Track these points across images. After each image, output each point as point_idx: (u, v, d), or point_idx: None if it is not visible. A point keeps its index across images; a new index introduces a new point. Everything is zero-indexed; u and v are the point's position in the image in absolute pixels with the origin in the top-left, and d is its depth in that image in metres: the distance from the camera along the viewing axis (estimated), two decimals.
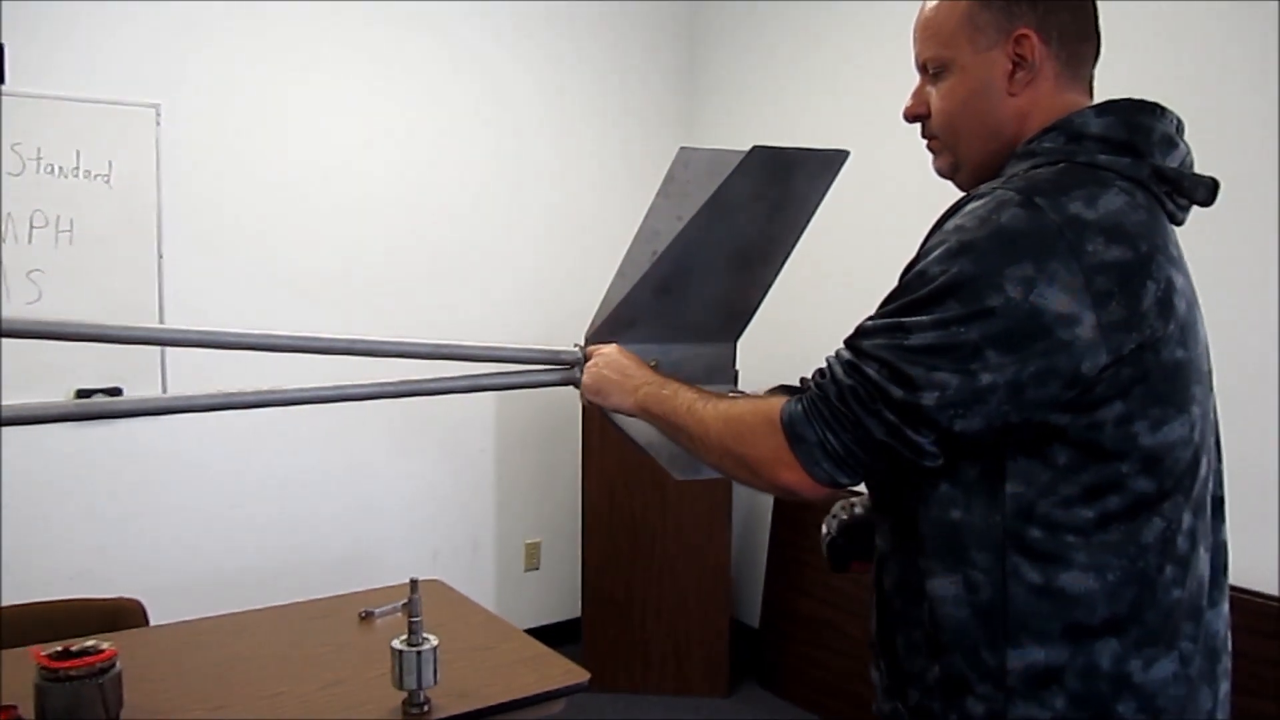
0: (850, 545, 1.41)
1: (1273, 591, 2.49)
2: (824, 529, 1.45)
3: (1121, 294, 1.05)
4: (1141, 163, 1.12)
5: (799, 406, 1.13)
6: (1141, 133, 1.13)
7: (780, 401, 1.16)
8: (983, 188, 1.13)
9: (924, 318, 1.06)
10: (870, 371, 1.08)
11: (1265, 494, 2.53)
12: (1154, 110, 1.15)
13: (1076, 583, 1.08)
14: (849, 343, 1.13)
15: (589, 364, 1.45)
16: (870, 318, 1.13)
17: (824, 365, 1.16)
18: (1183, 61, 2.68)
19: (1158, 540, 1.09)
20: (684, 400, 1.28)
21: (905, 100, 1.26)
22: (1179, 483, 1.10)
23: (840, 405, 1.10)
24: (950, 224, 1.11)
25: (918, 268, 1.10)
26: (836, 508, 1.45)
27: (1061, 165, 1.12)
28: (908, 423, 1.06)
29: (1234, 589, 2.54)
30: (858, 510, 1.41)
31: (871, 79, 3.53)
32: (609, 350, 1.44)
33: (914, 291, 1.08)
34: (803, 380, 1.28)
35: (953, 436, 1.06)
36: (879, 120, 3.37)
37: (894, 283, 1.13)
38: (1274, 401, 2.52)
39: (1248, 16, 2.56)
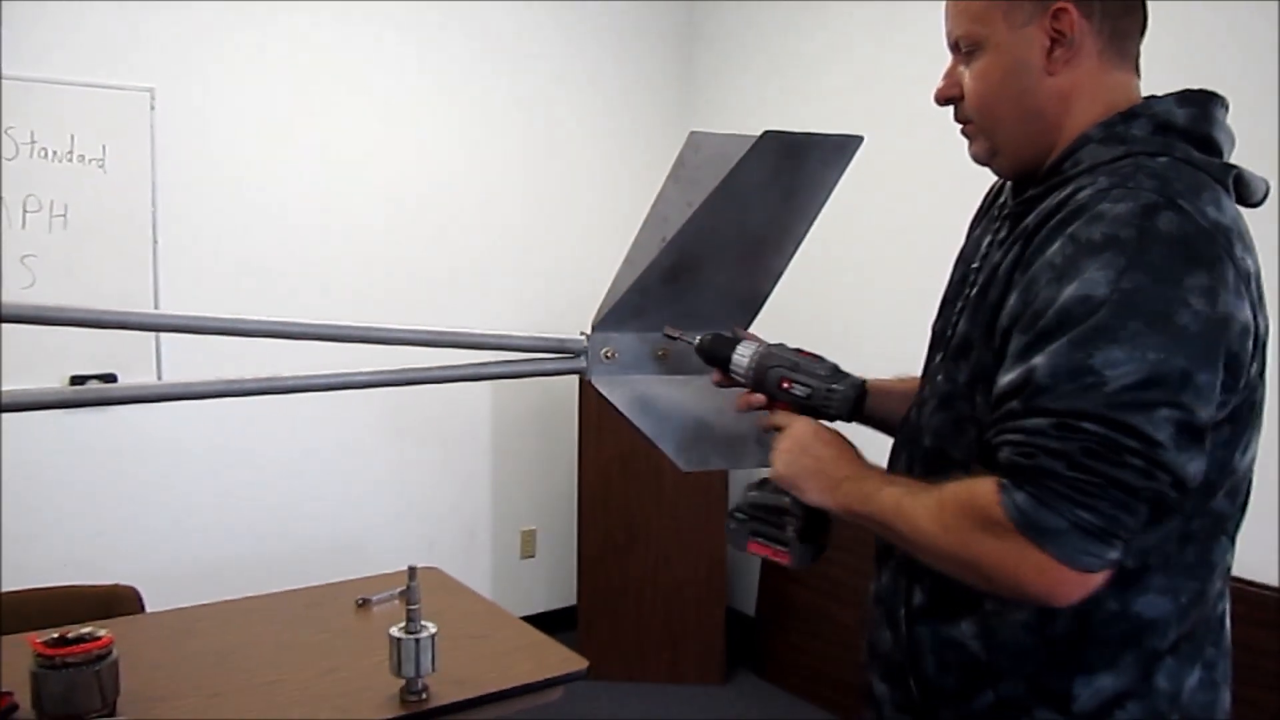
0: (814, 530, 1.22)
1: (1272, 582, 2.49)
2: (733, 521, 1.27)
3: (1260, 304, 1.00)
4: (1228, 167, 1.06)
5: (1022, 497, 0.94)
6: (1222, 129, 1.07)
7: (990, 495, 0.96)
8: (1099, 181, 1.01)
9: (1115, 351, 0.91)
10: (1090, 427, 0.91)
11: (1266, 484, 2.52)
12: (1222, 102, 1.09)
13: (1152, 606, 1.03)
14: (1031, 406, 0.95)
15: (780, 446, 1.19)
16: (1025, 366, 0.96)
17: (1015, 443, 0.96)
18: (1181, 62, 2.66)
19: (1221, 557, 1.07)
20: (889, 498, 1.07)
21: (937, 82, 1.18)
22: (1245, 501, 1.08)
23: (1077, 473, 0.92)
24: (1087, 232, 0.96)
25: (1072, 291, 0.94)
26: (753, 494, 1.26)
27: (1165, 160, 1.02)
28: (1155, 465, 0.92)
29: (1234, 579, 2.53)
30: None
31: (880, 64, 3.51)
32: (800, 432, 1.19)
33: (1082, 320, 0.92)
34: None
35: (1183, 482, 0.94)
36: (885, 106, 3.35)
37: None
38: (1275, 401, 2.52)
39: (1248, 16, 2.55)
